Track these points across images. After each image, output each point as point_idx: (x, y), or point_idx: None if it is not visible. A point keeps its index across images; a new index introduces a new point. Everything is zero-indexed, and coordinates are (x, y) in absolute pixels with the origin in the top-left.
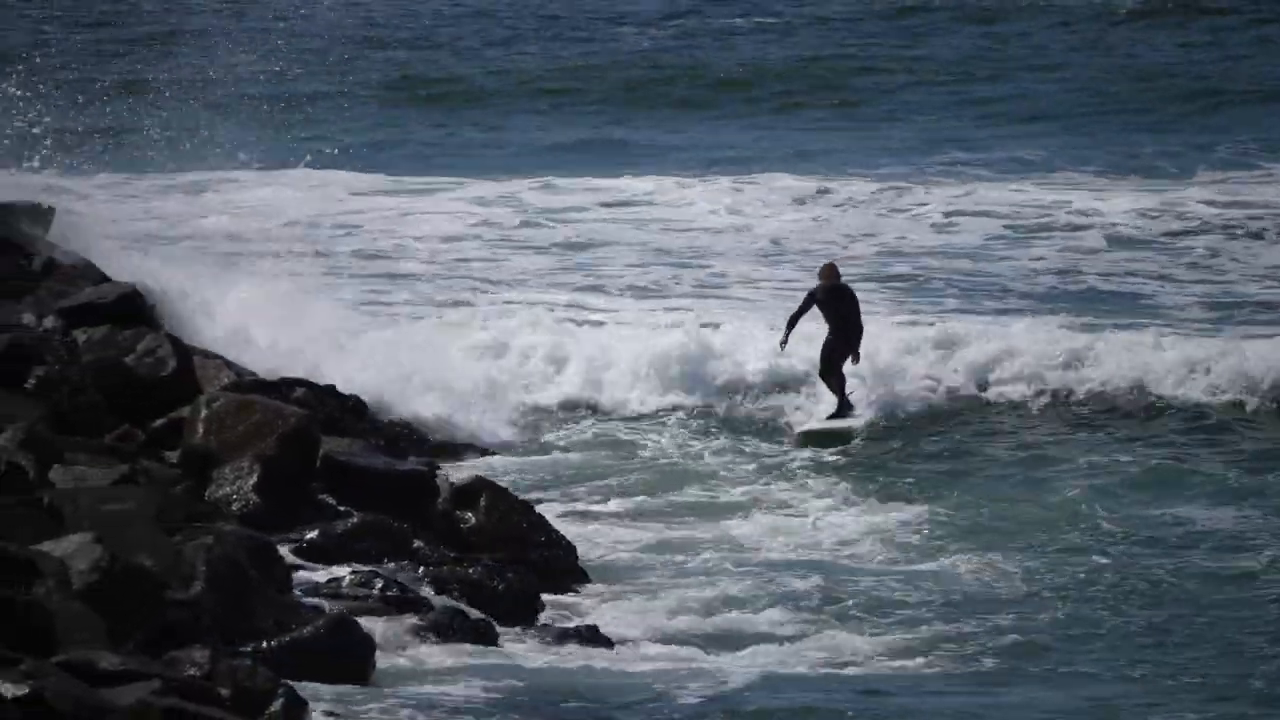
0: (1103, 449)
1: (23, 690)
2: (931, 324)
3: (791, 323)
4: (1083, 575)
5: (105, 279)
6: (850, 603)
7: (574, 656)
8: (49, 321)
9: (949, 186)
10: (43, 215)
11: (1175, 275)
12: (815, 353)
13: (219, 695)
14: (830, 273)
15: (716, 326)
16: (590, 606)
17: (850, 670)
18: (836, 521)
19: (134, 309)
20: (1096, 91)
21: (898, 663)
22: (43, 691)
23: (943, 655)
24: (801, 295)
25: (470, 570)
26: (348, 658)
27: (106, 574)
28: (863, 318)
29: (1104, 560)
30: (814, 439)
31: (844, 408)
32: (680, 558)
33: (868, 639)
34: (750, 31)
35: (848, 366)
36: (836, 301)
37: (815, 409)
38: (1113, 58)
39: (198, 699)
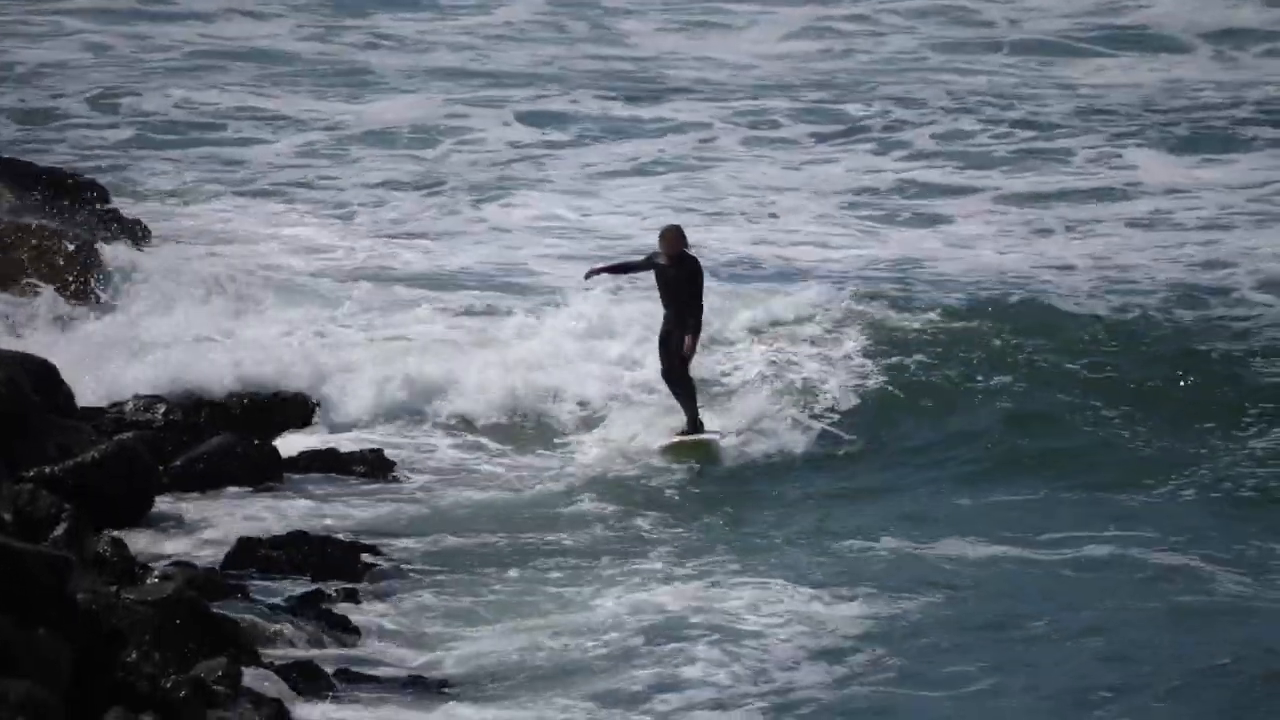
0: None
1: None
2: None
3: (619, 268)
4: None
5: None
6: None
7: None
8: None
9: None
10: None
11: None
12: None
13: (2, 520)
14: (674, 239)
15: None
16: None
17: None
18: None
19: None
20: None
21: None
22: None
23: None
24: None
25: None
26: (130, 483)
27: None
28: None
29: None
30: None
31: (695, 424)
32: None
33: None
34: None
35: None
36: (678, 276)
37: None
38: None
39: None
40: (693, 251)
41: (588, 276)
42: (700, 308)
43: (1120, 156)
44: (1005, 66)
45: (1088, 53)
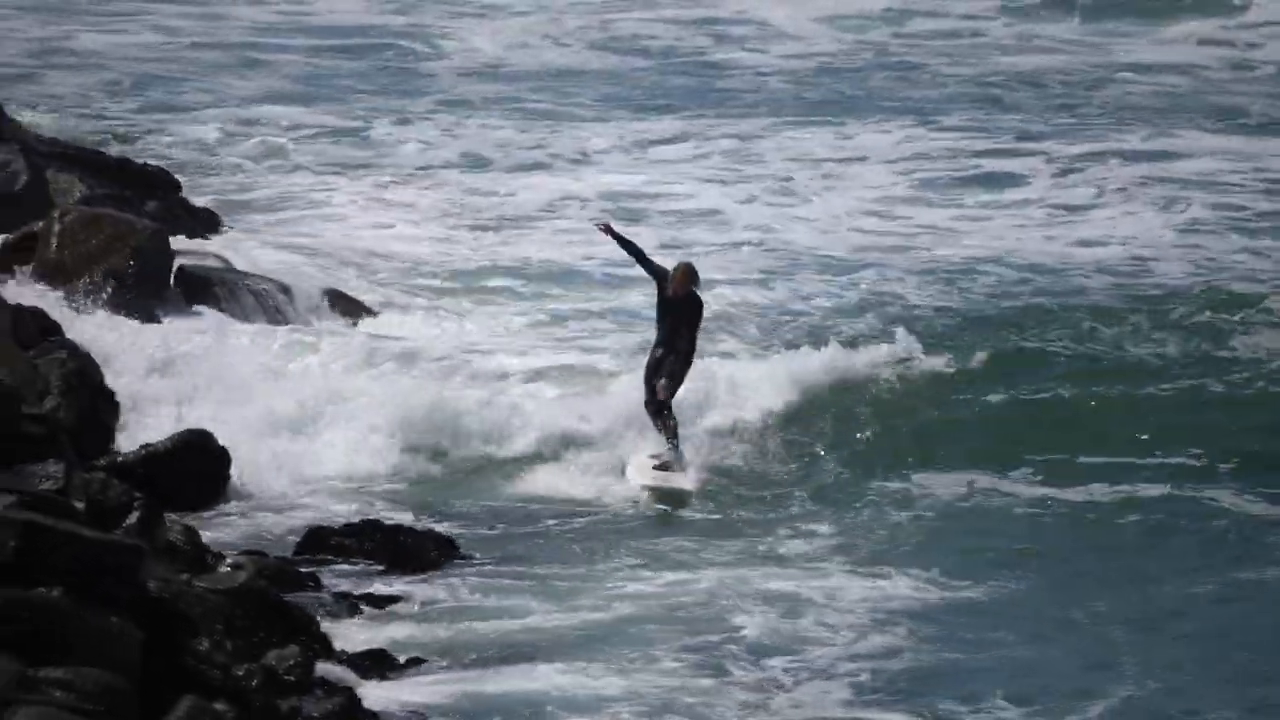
0: None
1: None
2: None
3: (628, 246)
4: None
5: None
6: None
7: None
8: None
9: None
10: None
11: None
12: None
13: (74, 509)
14: (684, 278)
15: None
16: None
17: None
18: None
19: None
20: None
21: None
22: None
23: None
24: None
25: None
26: (202, 471)
27: None
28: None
29: None
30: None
31: (674, 451)
32: None
33: None
34: None
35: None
36: (683, 312)
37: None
38: None
39: (53, 513)
40: (701, 292)
41: (602, 227)
42: (693, 349)
43: (1177, 130)
44: (1075, 34)
45: (1163, 12)
